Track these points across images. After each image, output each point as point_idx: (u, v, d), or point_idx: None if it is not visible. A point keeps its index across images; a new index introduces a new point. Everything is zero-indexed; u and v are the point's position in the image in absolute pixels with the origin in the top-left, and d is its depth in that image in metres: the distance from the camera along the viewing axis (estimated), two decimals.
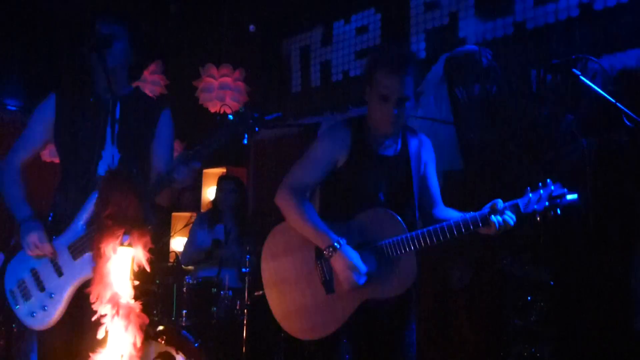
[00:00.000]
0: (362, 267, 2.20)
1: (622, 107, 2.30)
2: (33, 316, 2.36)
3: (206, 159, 2.21)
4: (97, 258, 2.18)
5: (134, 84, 2.64)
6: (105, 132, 2.41)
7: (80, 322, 2.29)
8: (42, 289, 2.37)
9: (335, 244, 2.21)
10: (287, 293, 2.36)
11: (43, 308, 2.34)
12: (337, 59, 5.06)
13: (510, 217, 2.18)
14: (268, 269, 2.43)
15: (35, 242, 2.32)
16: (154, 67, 5.38)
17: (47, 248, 2.33)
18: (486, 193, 3.33)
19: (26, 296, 2.39)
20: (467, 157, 3.50)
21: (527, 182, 2.16)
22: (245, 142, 2.10)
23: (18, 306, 2.40)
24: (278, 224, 2.49)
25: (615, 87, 3.01)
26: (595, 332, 2.97)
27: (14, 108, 5.67)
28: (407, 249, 2.22)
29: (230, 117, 2.09)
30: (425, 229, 2.22)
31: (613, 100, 2.34)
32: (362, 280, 2.20)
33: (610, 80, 3.06)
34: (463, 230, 2.19)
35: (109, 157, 2.39)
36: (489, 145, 3.34)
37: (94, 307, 2.14)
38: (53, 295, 2.34)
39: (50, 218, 2.46)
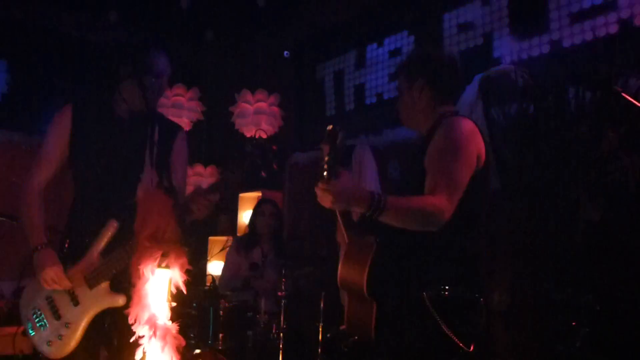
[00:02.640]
0: None
1: None
2: (49, 345, 2.34)
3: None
4: (136, 279, 2.21)
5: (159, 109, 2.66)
6: (144, 154, 2.43)
7: (114, 345, 2.29)
8: (57, 317, 2.35)
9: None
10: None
11: (59, 337, 2.32)
12: (371, 82, 5.08)
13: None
14: (339, 274, 2.28)
15: (53, 278, 2.28)
16: (192, 94, 5.50)
17: (64, 283, 2.30)
18: (524, 212, 3.27)
19: (42, 324, 2.37)
20: (504, 176, 3.44)
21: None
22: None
23: (34, 333, 2.38)
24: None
25: None
26: None
27: None
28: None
29: None
30: None
31: None
32: None
33: None
34: None
35: (147, 179, 2.41)
36: (527, 164, 3.28)
37: (133, 328, 2.15)
38: (69, 325, 2.32)
39: (66, 245, 2.40)
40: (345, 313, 2.19)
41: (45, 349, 2.35)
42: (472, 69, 4.05)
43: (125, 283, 2.28)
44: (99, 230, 2.31)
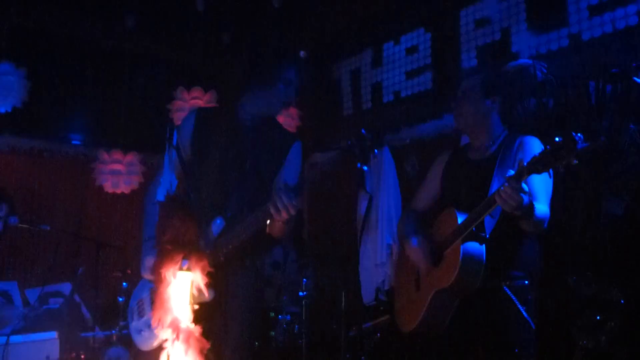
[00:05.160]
0: (423, 253, 2.48)
1: None
2: (140, 334, 2.40)
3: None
4: (158, 283, 2.22)
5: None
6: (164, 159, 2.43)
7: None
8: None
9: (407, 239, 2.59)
10: (398, 295, 2.76)
11: (149, 327, 2.34)
12: (388, 80, 5.06)
13: (511, 187, 2.09)
14: (394, 279, 2.95)
15: (151, 268, 2.31)
16: (209, 97, 5.51)
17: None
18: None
19: (141, 314, 2.43)
20: None
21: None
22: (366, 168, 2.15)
23: (133, 322, 2.45)
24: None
25: None
26: None
27: (77, 142, 5.91)
28: (453, 242, 2.36)
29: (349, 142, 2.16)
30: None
31: None
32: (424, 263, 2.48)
33: None
34: (482, 211, 2.25)
35: (166, 183, 2.41)
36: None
37: (156, 332, 2.17)
38: None
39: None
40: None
41: (136, 337, 2.43)
42: (490, 65, 4.02)
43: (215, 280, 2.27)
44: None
